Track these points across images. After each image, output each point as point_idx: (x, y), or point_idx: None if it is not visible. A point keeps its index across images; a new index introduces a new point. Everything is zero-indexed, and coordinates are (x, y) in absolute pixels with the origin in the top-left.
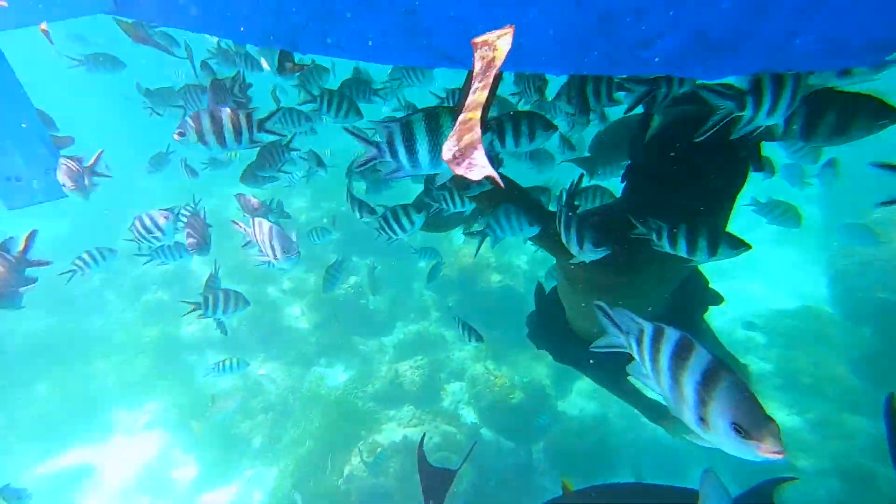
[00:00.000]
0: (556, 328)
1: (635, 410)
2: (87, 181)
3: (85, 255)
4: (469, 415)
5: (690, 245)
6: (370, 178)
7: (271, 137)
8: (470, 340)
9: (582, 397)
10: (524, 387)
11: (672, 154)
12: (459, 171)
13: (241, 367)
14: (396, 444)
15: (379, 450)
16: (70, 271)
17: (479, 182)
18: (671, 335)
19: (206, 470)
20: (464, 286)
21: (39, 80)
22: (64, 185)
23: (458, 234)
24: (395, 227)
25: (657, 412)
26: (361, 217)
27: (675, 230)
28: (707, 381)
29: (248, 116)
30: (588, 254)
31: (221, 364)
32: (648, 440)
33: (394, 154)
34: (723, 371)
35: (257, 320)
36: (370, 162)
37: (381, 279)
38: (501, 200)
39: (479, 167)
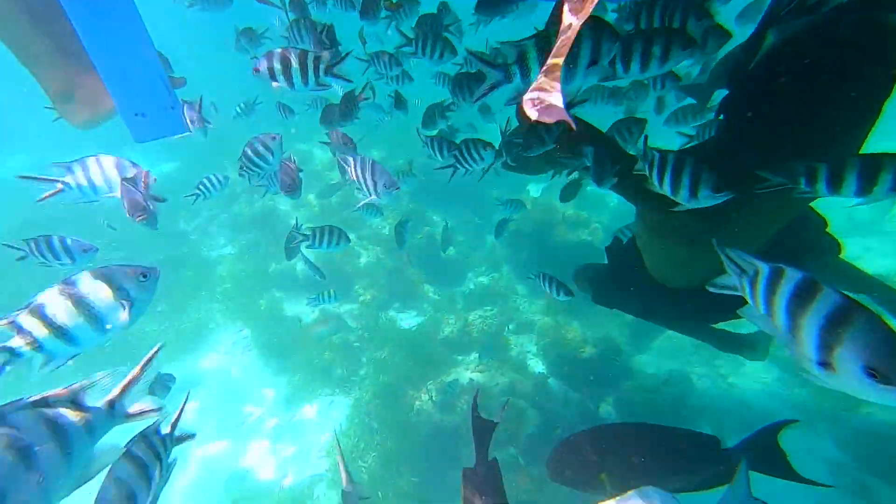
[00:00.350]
0: (633, 280)
1: (722, 372)
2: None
3: (205, 181)
4: (537, 365)
5: (833, 183)
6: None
7: (339, 81)
8: (558, 294)
9: (661, 356)
10: (597, 342)
11: (786, 78)
12: (535, 114)
13: (336, 299)
14: (463, 386)
15: (447, 390)
16: (194, 195)
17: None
18: (792, 275)
19: (292, 391)
20: (537, 239)
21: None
22: (190, 122)
23: (534, 187)
24: (469, 159)
25: (738, 342)
26: (437, 151)
27: (813, 168)
28: (835, 323)
29: (317, 59)
30: (704, 200)
31: (320, 295)
32: (735, 401)
33: (525, 75)
34: (855, 311)
35: (336, 265)
36: (494, 88)
37: (454, 231)
38: (582, 144)
39: (554, 110)
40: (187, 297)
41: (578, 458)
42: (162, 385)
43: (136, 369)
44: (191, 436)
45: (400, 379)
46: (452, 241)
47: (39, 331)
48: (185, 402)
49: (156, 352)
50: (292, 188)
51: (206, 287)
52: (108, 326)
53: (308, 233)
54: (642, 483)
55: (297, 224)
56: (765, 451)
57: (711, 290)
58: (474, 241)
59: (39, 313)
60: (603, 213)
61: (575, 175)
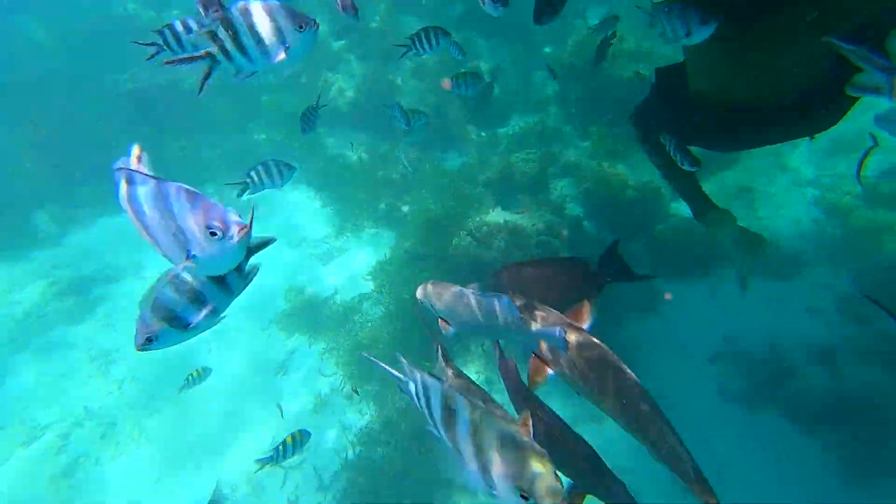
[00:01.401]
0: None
1: (759, 214)
2: None
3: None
4: (575, 208)
5: None
6: None
7: None
8: (683, 164)
9: None
10: (639, 187)
11: None
12: None
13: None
14: (501, 225)
15: (485, 228)
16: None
17: None
18: None
19: (339, 221)
20: (590, 76)
21: None
22: None
23: (591, 18)
24: None
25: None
26: None
27: None
28: None
29: None
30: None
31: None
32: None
33: None
34: None
35: (380, 96)
36: None
37: (501, 70)
38: None
39: None
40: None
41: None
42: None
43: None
44: (270, 240)
45: (440, 216)
46: (499, 78)
47: (229, 44)
48: (252, 214)
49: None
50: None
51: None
52: (278, 56)
53: None
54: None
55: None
56: (615, 264)
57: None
58: (522, 79)
59: (229, 26)
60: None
61: None
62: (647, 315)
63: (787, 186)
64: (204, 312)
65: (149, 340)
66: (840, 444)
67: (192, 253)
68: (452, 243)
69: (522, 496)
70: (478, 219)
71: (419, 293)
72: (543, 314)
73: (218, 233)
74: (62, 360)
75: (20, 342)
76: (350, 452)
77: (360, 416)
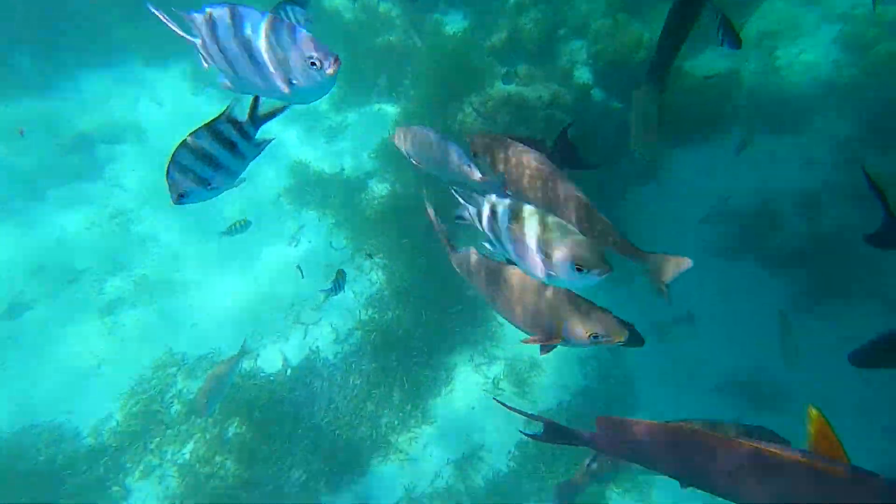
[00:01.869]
0: None
1: (777, 64)
2: None
3: None
4: (584, 74)
5: None
6: None
7: None
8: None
9: (718, 57)
10: (652, 46)
11: None
12: None
13: None
14: (506, 99)
15: (490, 103)
16: None
17: None
18: None
19: (340, 96)
20: None
21: None
22: None
23: None
24: None
25: None
26: None
27: None
28: None
29: None
30: None
31: None
32: (775, 98)
33: None
34: None
35: None
36: None
37: None
38: None
39: None
40: None
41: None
42: None
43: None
44: (284, 108)
45: (443, 90)
46: None
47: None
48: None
49: None
50: None
51: None
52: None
53: None
54: None
55: None
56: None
57: None
58: None
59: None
60: None
61: None
62: (647, 184)
63: (814, 24)
64: (222, 174)
65: (181, 196)
66: (804, 278)
67: (293, 81)
68: (457, 119)
69: (578, 268)
70: (482, 92)
71: (395, 137)
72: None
73: (317, 63)
74: (83, 214)
75: (37, 193)
76: (363, 314)
77: (371, 284)
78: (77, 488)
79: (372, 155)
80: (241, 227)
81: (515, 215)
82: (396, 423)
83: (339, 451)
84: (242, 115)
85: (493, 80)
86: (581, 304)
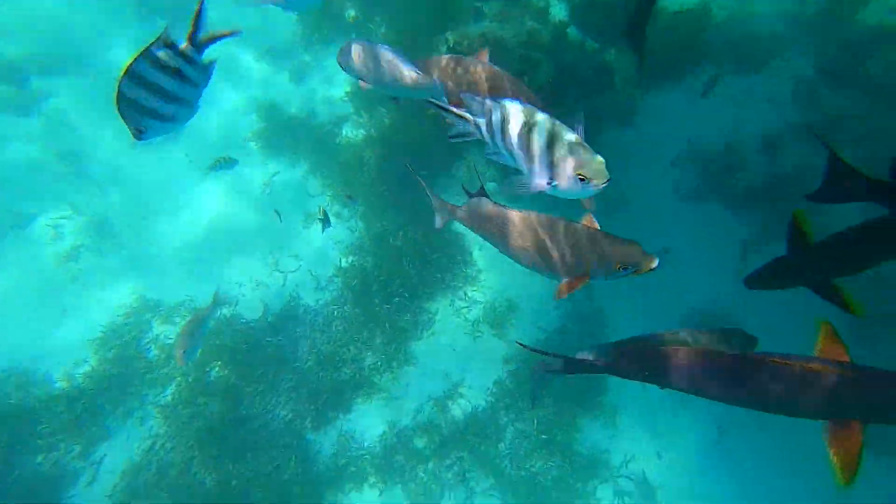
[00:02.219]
0: None
1: None
2: None
3: None
4: (560, 11)
5: None
6: None
7: None
8: None
9: None
10: None
11: None
12: None
13: None
14: (481, 38)
15: (465, 42)
16: None
17: None
18: None
19: (304, 31)
20: None
21: None
22: None
23: None
24: None
25: None
26: None
27: None
28: None
29: None
30: None
31: None
32: (746, 34)
33: None
34: None
35: None
36: None
37: None
38: None
39: None
40: None
41: None
42: None
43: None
44: (235, 32)
45: (417, 27)
46: None
47: None
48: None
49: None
50: None
51: None
52: None
53: None
54: None
55: None
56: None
57: None
58: None
59: None
60: None
61: None
62: (623, 128)
63: None
64: (174, 105)
65: (139, 132)
66: (762, 216)
67: None
68: (432, 57)
69: (581, 179)
70: (458, 29)
71: (339, 58)
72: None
73: None
74: (23, 154)
75: None
76: (343, 261)
77: (351, 232)
78: (54, 429)
79: (345, 98)
80: (226, 163)
81: (527, 123)
82: (379, 364)
83: (324, 392)
84: (181, 38)
85: (467, 16)
86: (603, 237)
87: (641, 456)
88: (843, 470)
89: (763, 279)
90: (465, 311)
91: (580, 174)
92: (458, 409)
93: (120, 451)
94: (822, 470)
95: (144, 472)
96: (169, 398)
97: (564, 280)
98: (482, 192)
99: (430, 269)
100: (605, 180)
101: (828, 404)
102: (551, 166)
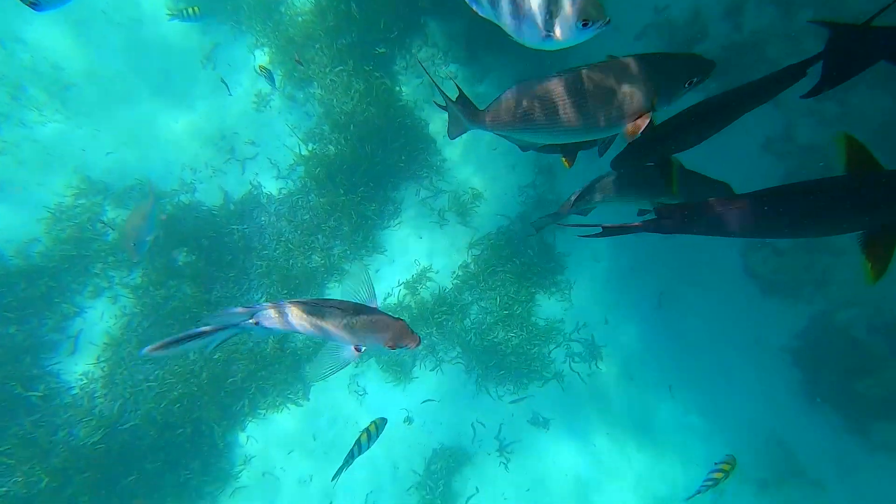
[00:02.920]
0: None
1: None
2: None
3: None
4: None
5: None
6: None
7: None
8: None
9: None
10: None
11: None
12: None
13: None
14: None
15: None
16: None
17: None
18: None
19: None
20: None
21: None
22: None
23: None
24: None
25: None
26: None
27: None
28: None
29: None
30: None
31: None
32: None
33: None
34: None
35: None
36: None
37: None
38: None
39: None
40: None
41: None
42: None
43: None
44: None
45: None
46: None
47: None
48: None
49: None
50: None
51: None
52: None
53: None
54: None
55: None
56: None
57: None
58: None
59: None
60: None
61: None
62: None
63: None
64: None
65: (34, 5)
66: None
67: None
68: None
69: (584, 23)
70: None
71: None
72: None
73: None
74: None
75: None
76: (303, 148)
77: (308, 117)
78: (19, 302)
79: None
80: (193, 15)
81: None
82: (348, 252)
83: (295, 277)
84: None
85: None
86: (640, 63)
87: (591, 323)
88: (873, 272)
89: (625, 159)
90: (430, 200)
91: (584, 19)
92: (426, 292)
93: (95, 326)
94: (745, 334)
95: (126, 346)
96: (138, 280)
97: (634, 123)
98: (464, 98)
99: (393, 157)
100: (607, 20)
101: (864, 214)
102: (547, 15)
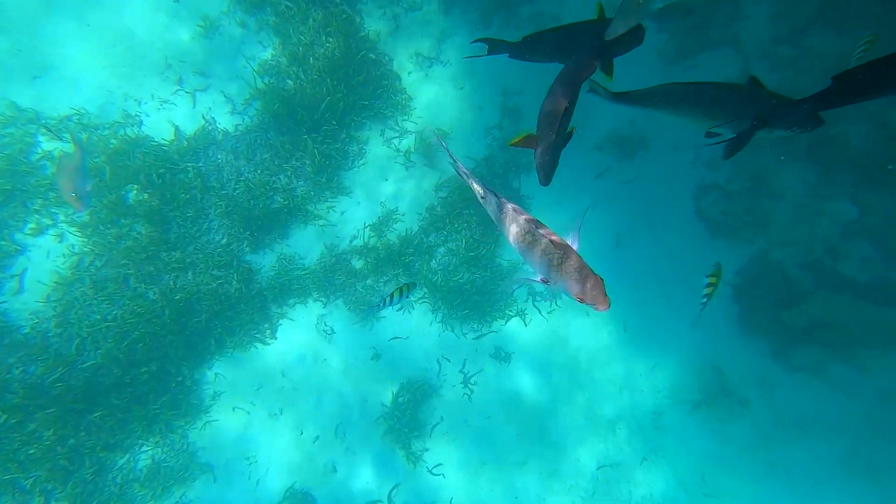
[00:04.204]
0: None
1: None
2: None
3: None
4: None
5: None
6: None
7: None
8: None
9: None
10: None
11: None
12: None
13: None
14: None
15: None
16: None
17: None
18: None
19: None
20: None
21: None
22: None
23: None
24: None
25: None
26: None
27: None
28: None
29: None
30: None
31: None
32: None
33: None
34: None
35: None
36: None
37: None
38: None
39: None
40: None
41: None
42: None
43: None
44: None
45: None
46: None
47: None
48: None
49: None
50: None
51: None
52: None
53: None
54: None
55: None
56: None
57: None
58: None
59: None
60: None
61: None
62: None
63: None
64: None
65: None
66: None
67: None
68: None
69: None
70: None
71: None
72: None
73: None
74: None
75: None
76: (259, 82)
77: (262, 48)
78: None
79: None
80: None
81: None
82: (312, 193)
83: (257, 218)
84: None
85: None
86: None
87: None
88: None
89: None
90: (395, 140)
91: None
92: (393, 234)
93: (42, 265)
94: (693, 271)
95: (78, 286)
96: (86, 218)
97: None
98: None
99: (355, 94)
100: (607, 307)
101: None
102: (553, 277)
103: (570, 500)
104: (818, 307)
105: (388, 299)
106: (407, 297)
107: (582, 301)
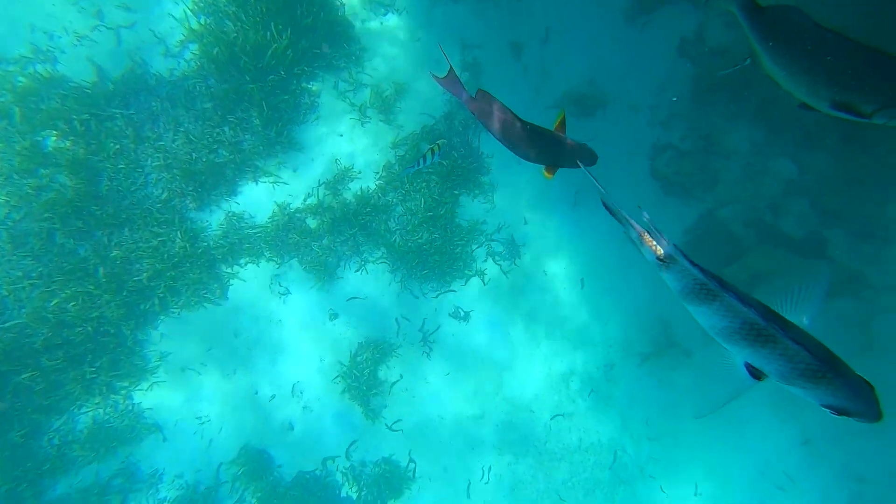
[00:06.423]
0: None
1: None
2: None
3: None
4: None
5: None
6: None
7: None
8: None
9: None
10: None
11: None
12: None
13: None
14: None
15: None
16: None
17: None
18: None
19: None
20: None
21: None
22: None
23: None
24: None
25: None
26: None
27: None
28: None
29: None
30: None
31: None
32: None
33: None
34: None
35: None
36: None
37: None
38: None
39: None
40: None
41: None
42: None
43: None
44: None
45: None
46: None
47: None
48: None
49: None
50: None
51: None
52: None
53: None
54: None
55: None
56: None
57: None
58: None
59: None
60: None
61: None
62: None
63: None
64: None
65: None
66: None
67: None
68: None
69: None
70: None
71: None
72: None
73: None
74: None
75: None
76: (193, 22)
77: None
78: None
79: None
80: None
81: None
82: (261, 148)
83: (200, 172)
84: None
85: None
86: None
87: (511, 223)
88: None
89: None
90: (350, 94)
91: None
92: (349, 193)
93: None
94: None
95: None
96: None
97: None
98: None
99: (305, 41)
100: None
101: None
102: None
103: (524, 448)
104: (757, 261)
105: (423, 159)
106: (440, 154)
107: (837, 415)
